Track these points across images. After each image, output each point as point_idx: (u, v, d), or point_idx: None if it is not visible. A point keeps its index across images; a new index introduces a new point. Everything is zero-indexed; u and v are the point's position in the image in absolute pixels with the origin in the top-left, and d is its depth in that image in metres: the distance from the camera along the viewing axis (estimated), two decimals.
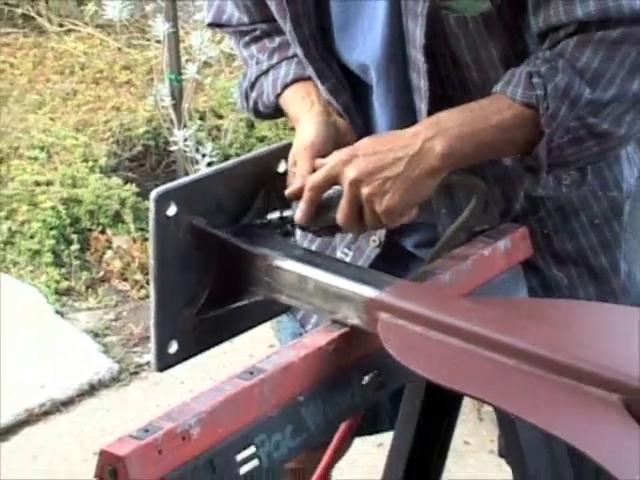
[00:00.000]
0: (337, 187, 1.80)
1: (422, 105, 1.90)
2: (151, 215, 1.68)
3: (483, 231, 1.91)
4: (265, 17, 2.05)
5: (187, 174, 4.28)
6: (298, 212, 1.81)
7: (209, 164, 4.24)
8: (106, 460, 1.46)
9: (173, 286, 1.73)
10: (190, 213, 1.72)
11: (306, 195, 1.79)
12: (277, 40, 2.07)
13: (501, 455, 2.27)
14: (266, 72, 2.05)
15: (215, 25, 2.21)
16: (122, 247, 3.91)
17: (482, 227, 1.91)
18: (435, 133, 1.78)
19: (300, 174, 1.83)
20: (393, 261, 2.04)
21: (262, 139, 4.52)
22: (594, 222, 2.06)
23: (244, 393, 1.56)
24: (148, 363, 3.50)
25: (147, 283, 3.83)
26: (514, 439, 1.85)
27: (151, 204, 1.68)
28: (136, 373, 3.47)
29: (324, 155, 1.84)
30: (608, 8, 1.76)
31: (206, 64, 4.56)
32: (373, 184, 1.75)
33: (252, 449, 1.55)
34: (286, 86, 2.02)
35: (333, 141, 1.89)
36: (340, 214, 1.78)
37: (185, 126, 4.27)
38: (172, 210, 1.69)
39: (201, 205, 1.74)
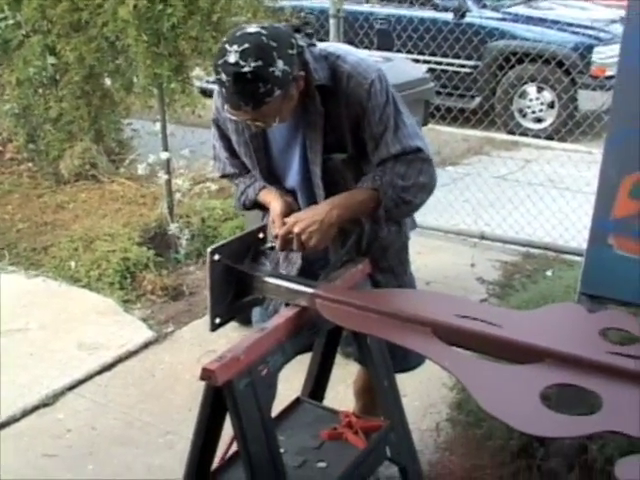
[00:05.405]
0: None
1: (320, 200, 1.85)
2: (208, 259, 1.64)
3: (349, 260, 1.86)
4: (243, 168, 1.99)
5: (176, 246, 4.18)
6: (277, 245, 1.77)
7: (186, 239, 4.18)
8: (205, 372, 1.40)
9: (216, 292, 1.68)
10: (224, 257, 1.67)
11: (280, 238, 1.75)
12: (250, 174, 1.98)
13: (350, 357, 2.18)
14: (248, 186, 1.97)
15: (222, 176, 2.07)
16: (150, 279, 3.77)
17: (349, 258, 1.86)
18: (333, 206, 1.76)
19: (277, 227, 1.78)
20: (305, 276, 1.90)
21: (211, 226, 4.36)
22: (396, 252, 2.03)
23: (260, 339, 1.53)
24: (171, 332, 3.40)
25: (165, 296, 3.71)
26: (366, 347, 1.83)
27: (208, 254, 1.63)
28: (164, 337, 3.33)
29: (286, 216, 1.80)
30: (404, 147, 1.78)
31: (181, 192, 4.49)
32: (306, 233, 1.73)
33: (265, 364, 1.52)
34: (260, 189, 1.95)
35: (287, 208, 1.83)
36: (295, 246, 1.74)
37: (174, 222, 4.17)
38: (217, 256, 1.65)
39: (228, 253, 1.69)
